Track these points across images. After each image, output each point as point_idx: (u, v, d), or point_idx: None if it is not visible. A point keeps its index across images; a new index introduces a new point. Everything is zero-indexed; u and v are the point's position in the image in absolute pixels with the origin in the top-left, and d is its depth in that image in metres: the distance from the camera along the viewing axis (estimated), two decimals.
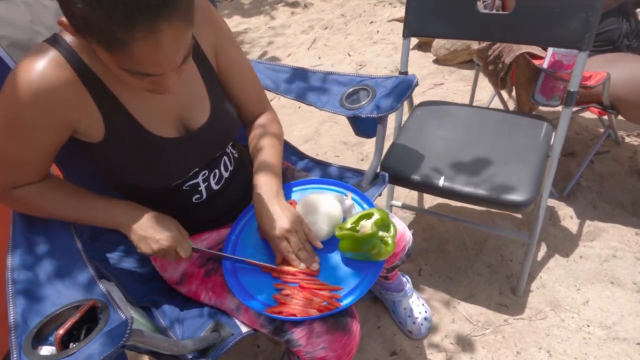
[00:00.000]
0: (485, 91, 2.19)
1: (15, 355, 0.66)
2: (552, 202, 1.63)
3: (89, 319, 0.73)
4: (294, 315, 0.78)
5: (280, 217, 0.84)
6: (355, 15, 3.25)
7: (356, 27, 3.08)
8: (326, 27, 3.17)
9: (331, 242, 0.89)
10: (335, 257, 0.88)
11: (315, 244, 0.86)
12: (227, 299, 0.89)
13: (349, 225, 0.84)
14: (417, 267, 1.51)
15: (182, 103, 0.83)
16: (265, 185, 0.88)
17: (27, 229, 0.86)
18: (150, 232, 0.81)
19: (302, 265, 0.84)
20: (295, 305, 0.80)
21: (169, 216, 0.85)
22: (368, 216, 0.84)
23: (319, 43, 3.00)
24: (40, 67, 0.69)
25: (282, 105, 2.46)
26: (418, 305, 1.32)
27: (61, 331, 0.68)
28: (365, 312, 1.40)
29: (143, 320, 0.96)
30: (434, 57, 2.53)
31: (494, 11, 1.18)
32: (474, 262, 1.50)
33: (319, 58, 2.82)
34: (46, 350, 0.70)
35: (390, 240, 0.83)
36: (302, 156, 1.33)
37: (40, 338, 0.71)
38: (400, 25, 2.99)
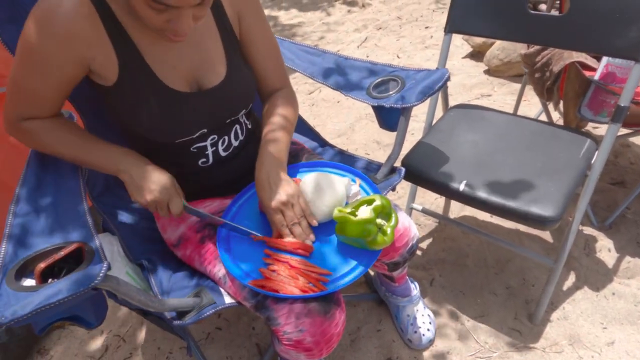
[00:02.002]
0: (535, 107, 2.06)
1: None
2: (590, 231, 1.50)
3: (77, 261, 0.74)
4: (276, 291, 0.75)
5: (278, 189, 0.82)
6: (412, 19, 3.18)
7: (410, 31, 3.02)
8: (380, 28, 3.12)
9: (328, 226, 0.86)
10: (331, 241, 0.84)
11: (310, 220, 0.83)
12: (216, 267, 0.87)
13: (348, 209, 0.80)
14: (430, 276, 1.43)
15: (197, 60, 0.83)
16: (269, 157, 0.86)
17: (40, 169, 0.88)
18: (145, 182, 0.81)
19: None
20: (280, 282, 0.77)
21: (167, 172, 0.85)
22: (369, 202, 0.80)
23: (370, 42, 2.96)
24: (64, 2, 0.70)
25: (322, 98, 2.45)
26: (423, 314, 1.25)
27: (42, 265, 0.69)
28: (367, 314, 1.34)
29: (136, 276, 0.96)
30: (486, 68, 2.42)
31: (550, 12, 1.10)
32: (492, 281, 1.40)
33: (367, 57, 2.78)
34: (28, 282, 0.71)
35: (389, 230, 0.78)
36: (323, 143, 1.31)
37: (25, 271, 0.72)
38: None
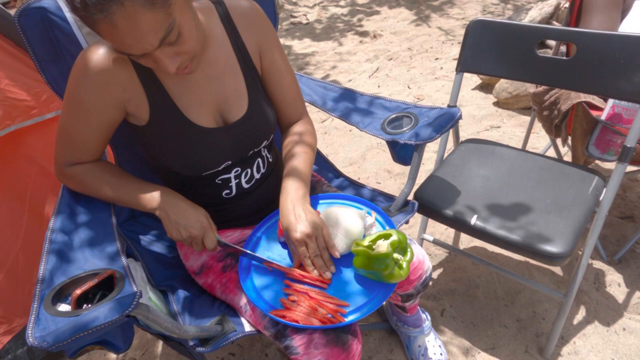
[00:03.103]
0: (544, 140, 2.10)
1: (35, 306, 0.72)
2: (599, 265, 1.51)
3: (107, 287, 0.78)
4: (296, 321, 0.79)
5: (303, 221, 0.85)
6: (422, 50, 3.27)
7: (420, 62, 3.10)
8: (391, 58, 3.21)
9: (346, 258, 0.89)
10: (348, 273, 0.88)
11: (332, 252, 0.86)
12: (237, 295, 0.91)
13: (366, 243, 0.84)
14: (440, 306, 1.45)
15: (221, 96, 0.89)
16: (293, 188, 0.91)
17: (73, 199, 0.94)
18: (181, 219, 0.85)
19: (315, 273, 0.84)
20: (300, 312, 0.80)
21: (201, 207, 0.90)
22: (386, 236, 0.84)
23: (381, 72, 3.04)
24: (99, 52, 0.78)
25: (334, 126, 2.51)
26: (434, 345, 1.27)
27: (78, 291, 0.73)
28: (379, 343, 1.36)
29: (159, 302, 1.00)
30: (495, 100, 2.47)
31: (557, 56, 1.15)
32: (502, 313, 1.41)
33: (378, 87, 2.86)
34: (63, 307, 0.75)
35: (404, 265, 0.81)
36: (338, 174, 1.35)
37: (60, 296, 0.77)
38: None
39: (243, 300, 0.89)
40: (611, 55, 1.07)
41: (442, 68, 2.97)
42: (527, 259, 1.56)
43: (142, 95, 0.83)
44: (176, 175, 0.93)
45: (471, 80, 2.75)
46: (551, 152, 1.79)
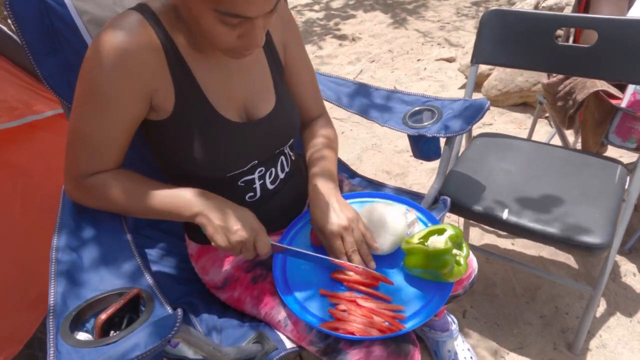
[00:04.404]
0: (538, 134, 2.11)
1: (52, 337, 0.61)
2: None
3: (130, 309, 0.68)
4: (352, 333, 0.70)
5: (338, 213, 0.78)
6: (403, 52, 3.27)
7: (403, 63, 3.09)
8: (373, 61, 3.19)
9: (391, 258, 0.82)
10: (398, 275, 0.80)
11: (371, 245, 0.79)
12: (274, 309, 0.81)
13: (416, 240, 0.77)
14: (461, 308, 1.40)
15: (249, 89, 0.81)
16: (323, 181, 0.84)
17: (76, 210, 0.82)
18: (228, 222, 0.72)
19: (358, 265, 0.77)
20: (354, 322, 0.72)
21: (246, 207, 0.77)
22: (439, 232, 0.77)
23: (365, 75, 3.01)
24: (124, 33, 0.67)
25: None
26: (463, 349, 1.21)
27: (103, 316, 0.62)
28: None
29: None
30: (484, 97, 2.48)
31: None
32: (524, 310, 1.38)
33: None
34: (82, 336, 0.64)
35: (462, 261, 0.75)
36: (353, 174, 1.28)
37: (77, 323, 0.65)
38: (448, 65, 2.98)
39: (282, 314, 0.80)
40: (632, 41, 1.06)
41: (425, 69, 2.97)
42: (541, 254, 1.54)
43: (169, 85, 0.72)
44: (195, 178, 0.82)
45: (456, 80, 2.76)
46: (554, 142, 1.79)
